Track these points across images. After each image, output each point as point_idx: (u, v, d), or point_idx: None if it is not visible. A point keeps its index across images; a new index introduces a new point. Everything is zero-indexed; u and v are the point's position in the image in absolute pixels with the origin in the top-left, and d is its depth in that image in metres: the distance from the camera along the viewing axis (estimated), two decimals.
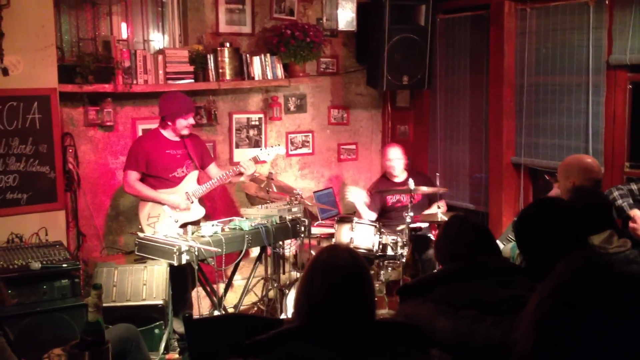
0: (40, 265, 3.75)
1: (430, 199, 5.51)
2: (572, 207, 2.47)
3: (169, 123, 4.60)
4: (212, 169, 4.87)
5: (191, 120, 4.67)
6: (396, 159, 5.47)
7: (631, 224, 3.42)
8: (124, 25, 5.37)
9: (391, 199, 5.52)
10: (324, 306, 1.81)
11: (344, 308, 1.80)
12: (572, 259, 1.34)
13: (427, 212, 5.26)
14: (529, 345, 1.28)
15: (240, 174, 4.75)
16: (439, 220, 4.86)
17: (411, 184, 4.90)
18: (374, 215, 5.44)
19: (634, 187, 3.64)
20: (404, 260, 4.62)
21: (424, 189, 5.05)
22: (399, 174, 5.52)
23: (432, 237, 5.20)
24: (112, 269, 4.11)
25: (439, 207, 5.08)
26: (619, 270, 1.30)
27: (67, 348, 2.20)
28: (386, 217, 5.49)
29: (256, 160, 4.82)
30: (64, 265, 3.81)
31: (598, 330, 1.19)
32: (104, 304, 3.83)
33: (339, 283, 1.82)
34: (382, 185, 5.60)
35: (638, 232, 3.38)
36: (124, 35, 5.36)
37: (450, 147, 6.13)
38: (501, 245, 3.94)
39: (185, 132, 4.65)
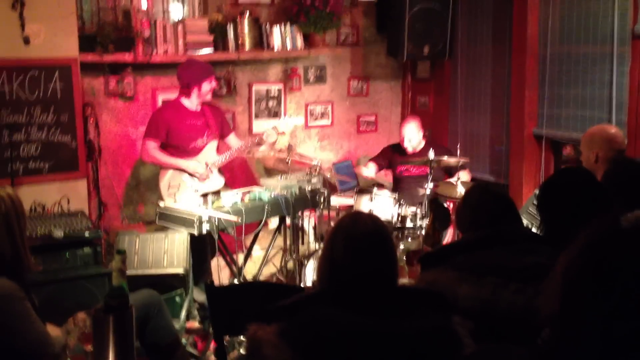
0: (62, 233, 3.79)
1: (447, 172, 5.45)
2: (596, 178, 2.43)
3: (195, 89, 4.58)
4: (232, 139, 4.87)
5: (214, 84, 4.67)
6: (411, 138, 5.38)
7: None
8: None
9: (400, 168, 5.47)
10: (346, 270, 1.82)
11: (365, 272, 1.81)
12: (598, 222, 1.33)
13: (445, 182, 5.21)
14: (556, 307, 1.28)
15: (260, 143, 4.75)
16: (457, 192, 4.82)
17: (431, 154, 4.85)
18: (374, 170, 5.56)
19: None
20: (423, 231, 4.61)
21: (445, 158, 4.99)
22: (413, 149, 5.42)
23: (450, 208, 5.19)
24: (134, 237, 4.15)
25: (458, 179, 5.04)
26: None
27: (91, 312, 2.23)
28: (395, 187, 5.49)
29: (276, 131, 4.82)
30: (86, 233, 3.85)
31: (628, 289, 1.18)
32: (127, 273, 3.92)
33: (361, 247, 1.83)
34: (396, 152, 5.54)
35: None
36: (144, 6, 5.34)
37: (471, 119, 6.07)
38: (522, 219, 3.90)
39: (209, 97, 4.65)
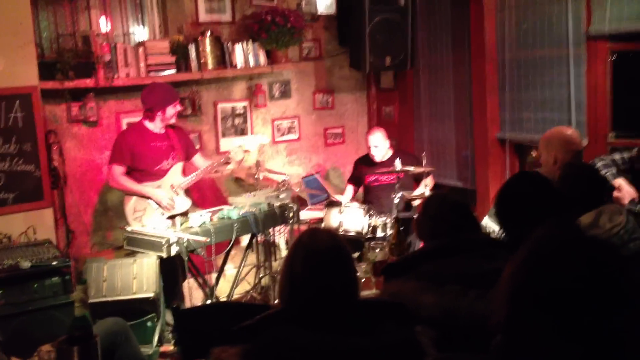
0: (29, 264, 3.76)
1: (415, 179, 5.51)
2: (548, 180, 2.48)
3: (159, 113, 4.56)
4: (198, 160, 4.86)
5: (179, 107, 4.66)
6: (377, 145, 5.42)
7: (615, 194, 3.44)
8: (102, 19, 5.33)
9: (369, 178, 5.51)
10: (305, 287, 1.83)
11: (324, 288, 1.83)
12: (542, 228, 1.36)
13: (415, 192, 5.25)
14: (503, 315, 1.30)
15: (227, 162, 4.75)
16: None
17: (398, 163, 4.89)
18: (352, 193, 5.62)
19: (617, 157, 3.66)
20: (390, 241, 4.65)
21: (410, 168, 5.03)
22: (382, 157, 5.47)
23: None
24: (102, 264, 4.10)
25: (426, 186, 5.09)
26: (586, 235, 1.31)
27: (55, 344, 2.21)
28: (366, 198, 5.53)
29: (241, 149, 4.81)
30: (54, 263, 3.82)
31: (570, 296, 1.21)
32: (96, 300, 3.90)
33: (319, 264, 1.85)
34: (364, 164, 5.58)
35: (622, 202, 3.40)
36: (104, 29, 5.32)
37: (436, 126, 6.14)
38: (490, 222, 3.95)
39: (173, 120, 4.64)
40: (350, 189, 5.68)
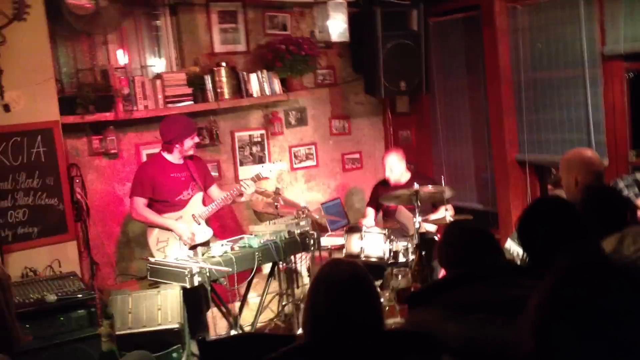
0: (55, 297, 3.78)
1: (433, 203, 5.48)
2: (570, 204, 2.48)
3: (177, 146, 4.63)
4: (214, 191, 4.89)
5: (196, 139, 4.73)
6: (392, 166, 5.44)
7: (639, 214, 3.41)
8: (120, 53, 5.43)
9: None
10: (328, 319, 1.83)
11: (347, 319, 1.82)
12: (566, 256, 1.36)
13: (434, 216, 5.24)
14: (530, 345, 1.30)
15: (242, 194, 4.78)
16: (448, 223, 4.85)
17: (416, 186, 4.88)
18: (373, 217, 5.59)
19: (639, 176, 3.63)
20: (413, 266, 4.63)
21: (429, 188, 5.01)
22: (399, 179, 5.48)
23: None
24: (127, 296, 4.13)
25: (446, 210, 5.07)
26: (612, 262, 1.31)
27: None
28: (386, 222, 5.52)
29: (259, 178, 4.85)
30: (79, 295, 3.84)
31: (596, 329, 1.21)
32: (122, 332, 3.91)
33: (341, 295, 1.85)
34: (382, 189, 5.60)
35: None
36: (121, 63, 5.41)
37: (454, 149, 6.15)
38: (513, 244, 3.92)
39: (191, 152, 4.70)
40: (371, 212, 5.67)
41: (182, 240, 4.57)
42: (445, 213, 5.00)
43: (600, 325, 1.22)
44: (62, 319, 3.77)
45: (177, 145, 4.62)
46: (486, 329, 2.08)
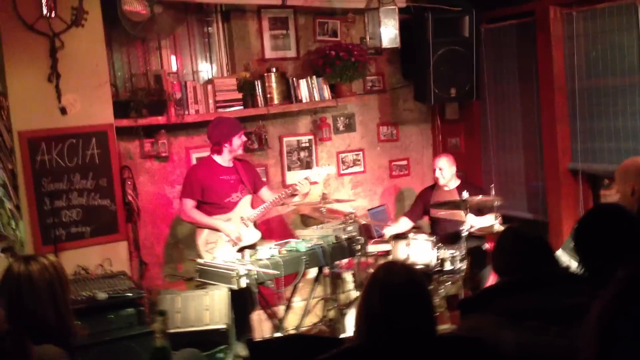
0: (106, 295, 3.86)
1: (480, 211, 5.39)
2: (630, 213, 2.41)
3: (226, 145, 4.69)
4: (265, 193, 4.93)
5: (244, 138, 4.76)
6: (442, 168, 5.41)
7: None
8: (173, 58, 5.52)
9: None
10: (382, 322, 1.82)
11: (403, 325, 1.81)
12: (631, 265, 1.33)
13: (480, 223, 5.15)
14: (592, 353, 1.27)
15: (294, 194, 4.80)
16: (496, 231, 4.78)
17: (465, 194, 4.83)
18: (409, 224, 5.50)
19: None
20: (462, 274, 4.58)
21: (478, 198, 4.95)
22: (447, 182, 5.45)
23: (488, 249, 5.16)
24: (175, 296, 4.20)
25: (495, 218, 4.99)
26: None
27: None
28: (433, 230, 5.47)
29: (308, 181, 4.87)
30: (129, 294, 3.91)
31: None
32: (170, 330, 3.96)
33: (397, 300, 1.84)
34: (429, 194, 5.55)
35: None
36: (174, 68, 5.51)
37: (504, 157, 6.05)
38: (563, 255, 3.84)
39: (240, 151, 4.75)
40: (404, 221, 5.60)
41: (230, 240, 4.61)
42: (494, 222, 4.92)
43: None
44: (112, 316, 3.84)
45: (225, 145, 4.68)
46: (540, 336, 2.04)
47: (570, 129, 5.31)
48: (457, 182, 5.47)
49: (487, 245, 5.27)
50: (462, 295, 4.52)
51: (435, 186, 5.54)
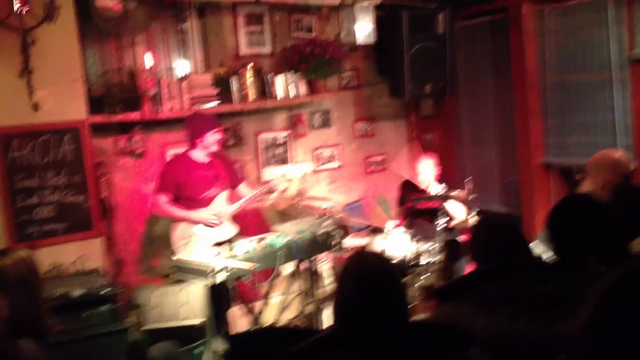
0: (80, 292, 3.84)
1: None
2: (600, 203, 2.46)
3: (199, 141, 4.67)
4: (243, 188, 4.93)
5: (218, 135, 4.74)
6: (426, 172, 5.45)
7: None
8: (148, 55, 5.48)
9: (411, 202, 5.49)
10: (356, 310, 1.84)
11: (375, 310, 1.83)
12: (625, 263, 1.38)
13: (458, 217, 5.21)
14: (583, 341, 1.33)
15: (270, 191, 4.80)
16: (470, 225, 4.83)
17: (441, 187, 4.86)
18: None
19: None
20: (438, 266, 4.61)
21: (455, 192, 5.00)
22: (429, 184, 5.49)
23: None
24: (151, 292, 4.17)
25: (468, 214, 5.04)
26: None
27: None
28: (409, 223, 5.51)
29: (285, 178, 4.87)
30: (103, 291, 3.89)
31: None
32: (146, 327, 3.94)
33: (368, 286, 1.86)
34: (409, 194, 5.58)
35: None
36: (148, 64, 5.46)
37: (478, 153, 6.12)
38: (537, 247, 3.89)
39: (214, 147, 4.72)
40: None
41: (208, 224, 4.59)
42: (469, 215, 4.97)
43: None
44: (85, 314, 3.82)
45: (199, 140, 4.66)
46: (514, 323, 2.06)
47: (543, 124, 5.38)
48: (438, 187, 5.49)
49: (462, 238, 5.32)
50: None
51: (411, 183, 5.56)
